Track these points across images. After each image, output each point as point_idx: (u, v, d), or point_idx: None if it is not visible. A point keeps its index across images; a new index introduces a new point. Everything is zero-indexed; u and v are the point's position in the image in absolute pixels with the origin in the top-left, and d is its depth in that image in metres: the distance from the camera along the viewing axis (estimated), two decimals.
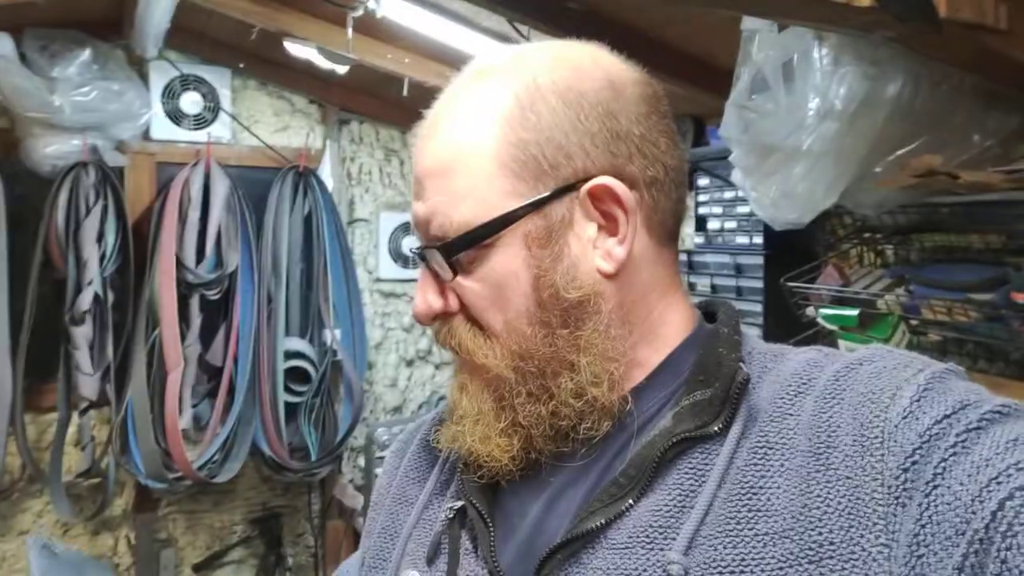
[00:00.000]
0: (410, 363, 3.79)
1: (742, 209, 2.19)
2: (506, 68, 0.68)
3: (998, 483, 0.49)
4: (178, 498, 3.27)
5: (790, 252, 2.13)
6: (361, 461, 3.52)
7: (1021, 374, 1.77)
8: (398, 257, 3.69)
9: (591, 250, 0.66)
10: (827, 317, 1.81)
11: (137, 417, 2.84)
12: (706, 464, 0.60)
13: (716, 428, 0.61)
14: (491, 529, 0.67)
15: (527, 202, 0.64)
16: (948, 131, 1.65)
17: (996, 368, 1.80)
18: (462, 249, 0.65)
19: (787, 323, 2.03)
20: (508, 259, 0.65)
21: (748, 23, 1.49)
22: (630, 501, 0.61)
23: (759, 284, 2.16)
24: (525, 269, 0.65)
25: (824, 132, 1.61)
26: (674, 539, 0.58)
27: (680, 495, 0.60)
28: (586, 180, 0.65)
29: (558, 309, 0.65)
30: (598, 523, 0.60)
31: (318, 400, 3.30)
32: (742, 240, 2.21)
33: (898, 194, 1.70)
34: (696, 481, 0.60)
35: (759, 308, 2.16)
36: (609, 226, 0.66)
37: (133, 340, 2.94)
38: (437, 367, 3.85)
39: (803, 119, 1.58)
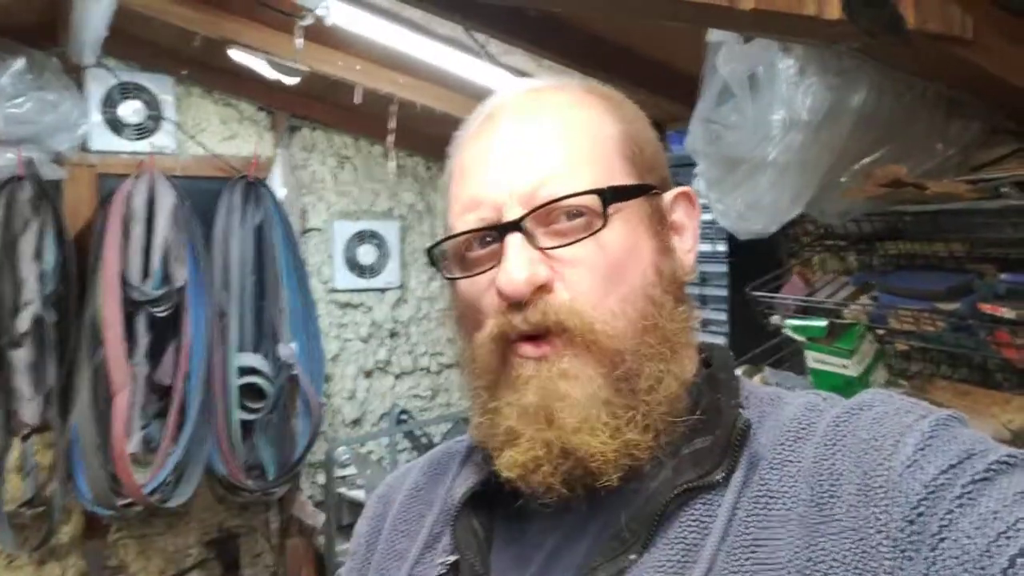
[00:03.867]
0: (369, 374, 3.71)
1: (705, 216, 2.17)
2: (595, 84, 0.71)
3: (1007, 538, 0.47)
4: (129, 522, 3.14)
5: (754, 259, 2.12)
6: (320, 478, 3.44)
7: (984, 380, 1.77)
8: (353, 267, 3.61)
9: (679, 252, 0.68)
10: (795, 328, 1.79)
11: (83, 442, 2.72)
12: (708, 515, 0.59)
13: (719, 477, 0.59)
14: None
15: (647, 183, 0.66)
16: (911, 140, 1.64)
17: (960, 374, 1.81)
18: (621, 198, 0.63)
19: (752, 332, 2.01)
20: (628, 232, 0.64)
21: (714, 35, 1.46)
22: (632, 556, 0.59)
23: (723, 292, 2.14)
24: (645, 247, 0.65)
25: (790, 143, 1.59)
26: None
27: (683, 549, 0.58)
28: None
29: (673, 287, 0.66)
30: None
31: (274, 416, 3.20)
32: (705, 248, 2.19)
33: (863, 203, 1.69)
34: (699, 534, 0.58)
35: (724, 317, 2.14)
36: (681, 235, 0.69)
37: (76, 361, 2.81)
38: (396, 377, 3.77)
39: (769, 130, 1.56)
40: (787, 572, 0.54)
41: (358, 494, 3.04)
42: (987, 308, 1.53)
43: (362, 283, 3.62)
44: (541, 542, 0.65)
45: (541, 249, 0.62)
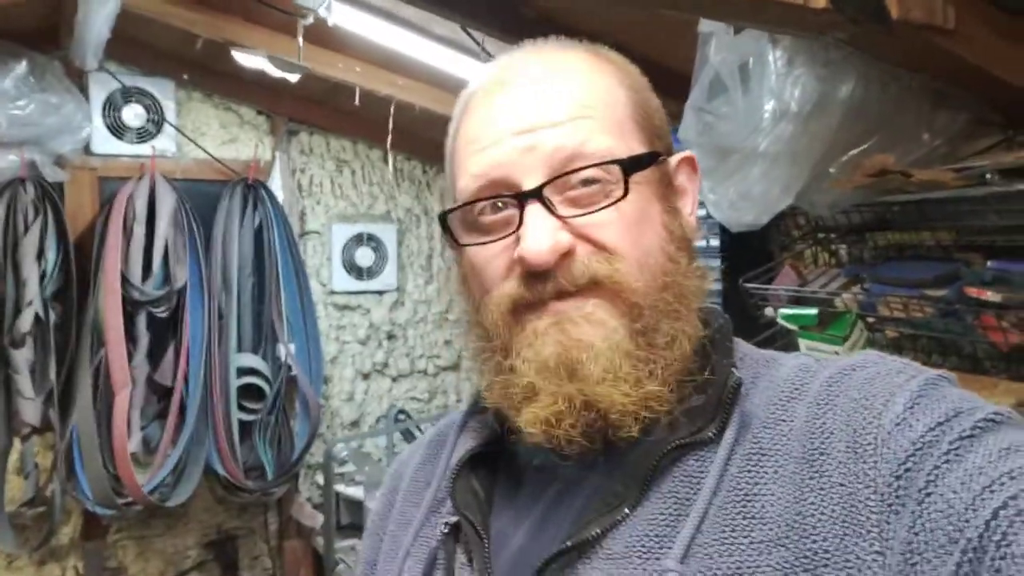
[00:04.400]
0: (367, 376, 3.73)
1: (699, 211, 2.21)
2: (603, 50, 0.71)
3: (991, 491, 0.49)
4: (128, 524, 3.15)
5: (746, 254, 2.15)
6: (319, 478, 3.45)
7: (974, 368, 1.81)
8: (352, 269, 3.64)
9: (683, 213, 0.70)
10: (786, 317, 1.83)
11: (83, 442, 2.73)
12: (701, 471, 0.60)
13: (710, 434, 0.61)
14: (485, 542, 0.65)
15: (657, 150, 0.67)
16: (898, 131, 1.68)
17: (949, 363, 1.84)
18: (643, 167, 0.64)
19: (746, 324, 2.05)
20: (642, 199, 0.65)
21: (705, 25, 1.50)
22: (626, 510, 0.60)
23: (718, 286, 2.18)
24: (655, 210, 0.66)
25: (780, 134, 1.63)
26: (670, 548, 0.57)
27: (675, 503, 0.59)
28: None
29: (685, 245, 0.68)
30: (594, 533, 0.60)
31: (273, 417, 3.22)
32: (699, 243, 2.23)
33: (852, 193, 1.73)
34: (691, 488, 0.59)
35: (719, 310, 2.17)
36: (683, 199, 0.71)
37: (77, 362, 2.83)
38: (394, 379, 3.80)
39: (759, 121, 1.60)
40: (777, 526, 0.55)
41: (357, 492, 3.05)
42: (974, 292, 1.56)
43: (360, 285, 3.65)
44: (538, 499, 0.66)
45: (561, 217, 0.62)
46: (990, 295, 1.53)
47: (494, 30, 1.87)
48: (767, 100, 1.59)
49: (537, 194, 0.62)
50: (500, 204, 0.64)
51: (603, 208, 0.63)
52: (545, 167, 0.62)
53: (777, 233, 2.18)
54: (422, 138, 3.42)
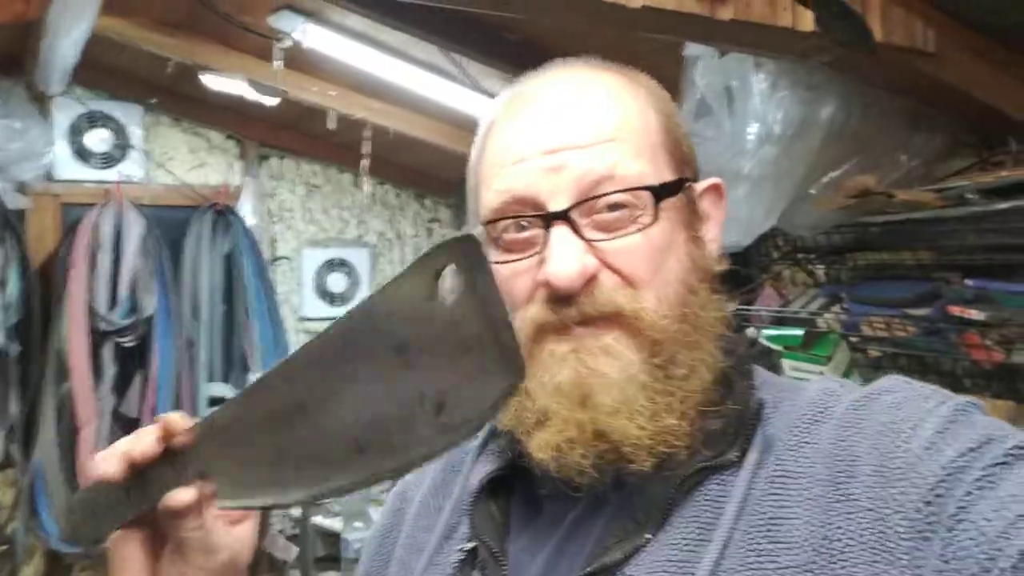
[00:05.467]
0: None
1: None
2: (634, 73, 0.69)
3: None
4: (93, 562, 3.03)
5: (725, 275, 2.16)
6: (293, 510, 3.37)
7: (954, 387, 1.83)
8: (324, 295, 3.59)
9: (711, 242, 0.68)
10: (772, 338, 1.84)
11: (48, 478, 2.64)
12: (723, 495, 0.58)
13: (733, 457, 0.59)
14: (504, 568, 0.63)
15: (685, 177, 0.66)
16: (877, 152, 1.71)
17: (929, 381, 1.86)
18: (672, 194, 0.63)
19: None
20: (669, 226, 0.63)
21: (691, 49, 1.52)
22: (647, 536, 0.58)
23: None
24: (680, 239, 0.64)
25: (763, 156, 1.65)
26: (693, 574, 0.56)
27: (698, 528, 0.58)
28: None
29: (707, 276, 0.65)
30: (615, 559, 0.58)
31: None
32: None
33: (833, 214, 1.75)
34: (713, 513, 0.58)
35: None
36: (707, 226, 0.68)
37: (40, 395, 2.74)
38: None
39: (744, 144, 1.62)
40: (803, 550, 0.54)
41: (334, 523, 2.98)
42: (957, 311, 1.58)
43: (332, 311, 3.60)
44: (557, 523, 0.65)
45: (587, 240, 0.61)
46: (974, 313, 1.55)
47: (476, 54, 1.87)
48: (751, 123, 1.60)
49: (564, 216, 0.61)
50: (524, 223, 0.63)
51: (631, 234, 0.61)
52: (573, 189, 0.61)
53: (757, 255, 2.19)
54: (395, 162, 3.40)
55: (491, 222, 0.64)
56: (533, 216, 0.62)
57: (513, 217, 0.63)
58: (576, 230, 0.61)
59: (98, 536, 0.59)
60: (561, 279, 0.59)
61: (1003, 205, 1.50)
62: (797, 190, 1.73)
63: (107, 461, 0.56)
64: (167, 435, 0.56)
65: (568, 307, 0.61)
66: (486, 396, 0.46)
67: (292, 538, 3.28)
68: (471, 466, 0.73)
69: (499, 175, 0.64)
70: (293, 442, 0.52)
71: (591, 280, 0.61)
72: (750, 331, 1.97)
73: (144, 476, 0.56)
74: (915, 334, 1.67)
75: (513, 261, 0.63)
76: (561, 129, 0.63)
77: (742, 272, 2.17)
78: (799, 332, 1.78)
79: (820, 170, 1.71)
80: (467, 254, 0.45)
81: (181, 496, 0.55)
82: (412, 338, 0.45)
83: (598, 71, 0.67)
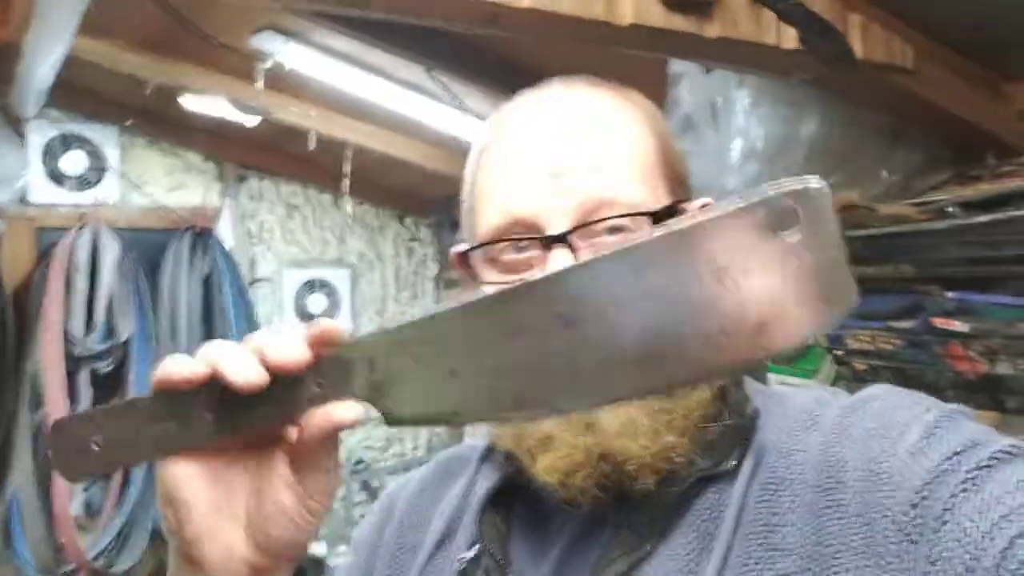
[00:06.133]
0: None
1: None
2: (628, 92, 0.70)
3: (1009, 521, 0.49)
4: None
5: None
6: None
7: (938, 398, 1.84)
8: (304, 316, 3.56)
9: None
10: None
11: (23, 506, 2.58)
12: (721, 504, 0.60)
13: (730, 466, 0.61)
14: None
15: (680, 199, 0.67)
16: (858, 168, 1.73)
17: None
18: (668, 218, 0.61)
19: None
20: None
21: (675, 66, 1.53)
22: (649, 547, 0.59)
23: None
24: None
25: (748, 172, 1.66)
26: None
27: (698, 537, 0.59)
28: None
29: None
30: (620, 570, 0.59)
31: None
32: None
33: None
34: (712, 523, 0.59)
35: None
36: None
37: (15, 422, 2.68)
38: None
39: (728, 160, 1.63)
40: (799, 556, 0.55)
41: (318, 548, 2.94)
42: (940, 323, 1.61)
43: None
44: (559, 536, 0.65)
45: None
46: (957, 325, 1.57)
47: (459, 73, 1.88)
48: (735, 139, 1.62)
49: (564, 239, 0.61)
50: (523, 244, 0.63)
51: None
52: (574, 212, 0.62)
53: None
54: (374, 182, 3.40)
55: (489, 243, 0.64)
56: (533, 238, 0.62)
57: (513, 239, 0.63)
58: (575, 253, 0.61)
59: (145, 457, 0.50)
60: None
61: (984, 218, 1.53)
62: None
63: (232, 360, 0.46)
64: (322, 341, 0.48)
65: None
66: (817, 321, 0.45)
67: None
68: (476, 473, 0.73)
69: (498, 195, 0.65)
70: (546, 354, 0.46)
71: None
72: None
73: (276, 385, 0.47)
74: (899, 346, 1.69)
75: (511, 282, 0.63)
76: (562, 151, 0.63)
77: None
78: None
79: None
80: (808, 197, 0.45)
81: (349, 411, 0.48)
82: (733, 263, 0.44)
83: (596, 91, 0.68)
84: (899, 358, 1.73)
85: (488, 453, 0.75)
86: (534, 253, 0.63)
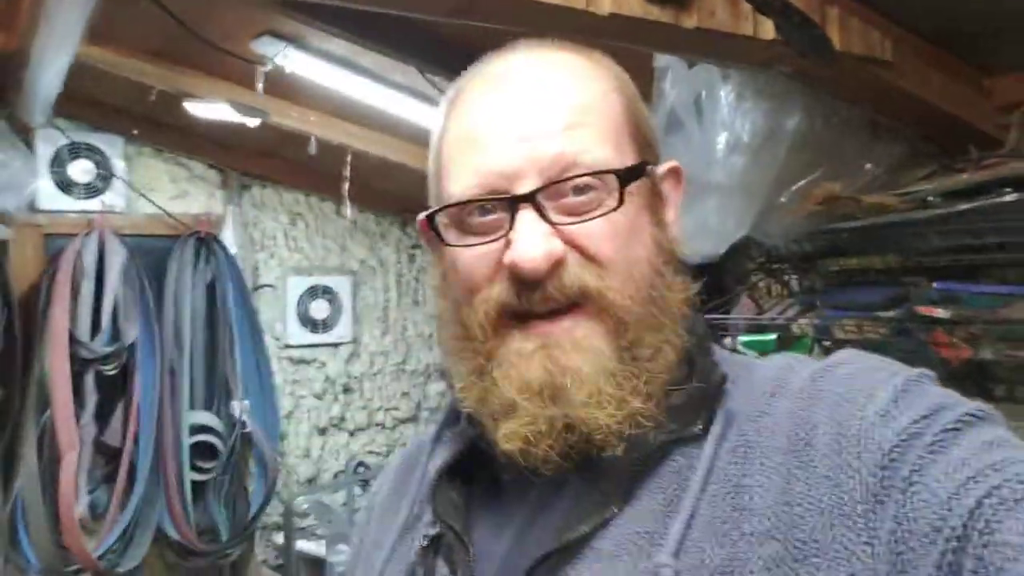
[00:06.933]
0: (323, 431, 3.66)
1: None
2: (595, 55, 0.70)
3: (975, 482, 0.50)
4: None
5: (701, 288, 2.20)
6: (276, 538, 3.34)
7: None
8: (306, 322, 3.60)
9: (672, 224, 0.69)
10: (747, 343, 1.87)
11: (28, 507, 2.61)
12: (689, 466, 0.60)
13: (696, 429, 0.61)
14: (470, 550, 0.63)
15: (648, 160, 0.66)
16: (841, 161, 1.77)
17: None
18: (636, 178, 0.63)
19: None
20: (633, 209, 0.64)
21: (661, 60, 1.57)
22: (614, 509, 0.59)
23: None
24: (644, 221, 0.65)
25: (732, 166, 1.70)
26: (661, 544, 0.56)
27: (665, 499, 0.59)
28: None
29: (671, 258, 0.66)
30: (582, 532, 0.59)
31: (227, 476, 3.12)
32: None
33: (804, 221, 1.80)
34: (680, 484, 0.59)
35: None
36: (668, 207, 0.69)
37: (22, 423, 2.72)
38: (351, 434, 3.73)
39: (713, 153, 1.67)
40: (767, 517, 0.55)
41: (318, 548, 2.96)
42: (924, 310, 1.63)
43: (315, 338, 3.61)
44: (521, 503, 0.65)
45: (553, 224, 0.61)
46: (940, 312, 1.60)
47: (455, 75, 1.91)
48: (720, 133, 1.66)
49: (531, 199, 0.61)
50: (489, 206, 0.63)
51: (596, 217, 0.62)
52: (540, 173, 0.61)
53: (732, 265, 2.24)
54: (376, 189, 3.44)
55: (458, 204, 0.63)
56: (499, 199, 0.62)
57: (479, 200, 0.62)
58: (542, 213, 0.61)
59: None
60: (526, 263, 0.60)
61: (964, 206, 1.56)
62: (766, 199, 1.78)
63: None
64: None
65: (533, 291, 0.61)
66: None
67: (277, 568, 3.25)
68: (428, 456, 0.73)
69: (467, 160, 0.64)
70: None
71: (557, 263, 0.61)
72: (727, 340, 2.01)
73: None
74: (885, 335, 1.71)
75: (478, 244, 0.63)
76: (527, 114, 0.63)
77: (714, 288, 2.21)
78: (772, 337, 1.82)
79: (787, 179, 1.76)
80: None
81: None
82: None
83: (562, 53, 0.68)
84: (885, 347, 1.75)
85: (443, 428, 0.74)
86: (501, 215, 0.62)
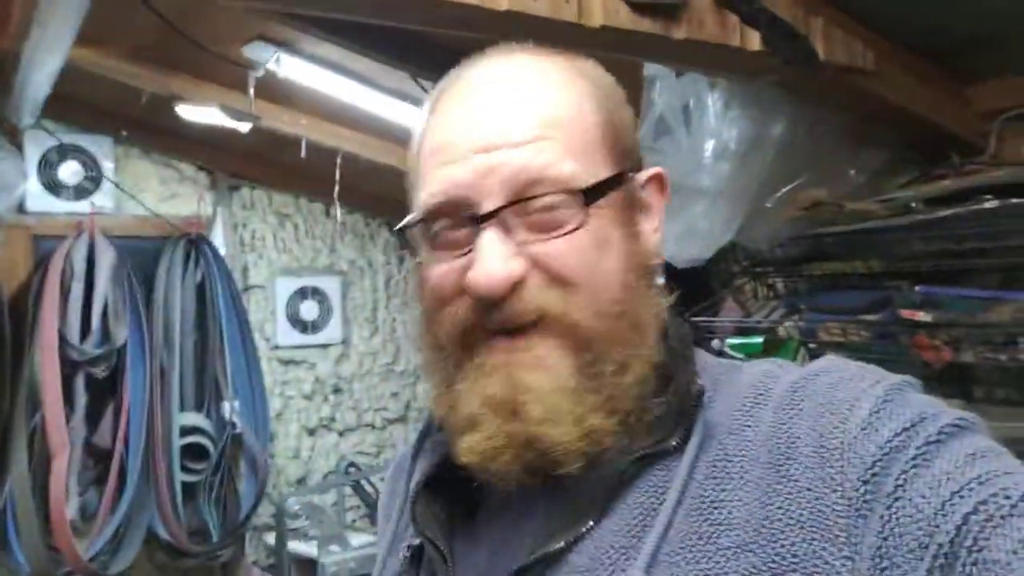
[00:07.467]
0: (312, 432, 3.67)
1: None
2: (578, 61, 0.68)
3: (961, 497, 0.49)
4: None
5: (687, 292, 2.23)
6: (267, 539, 3.35)
7: None
8: (296, 323, 3.61)
9: (646, 233, 0.67)
10: (733, 346, 1.91)
11: (19, 509, 2.61)
12: (665, 480, 0.59)
13: (673, 443, 0.60)
14: (449, 565, 0.64)
15: (624, 170, 0.65)
16: (826, 168, 1.80)
17: None
18: (605, 193, 0.62)
19: None
20: (603, 224, 0.62)
21: (650, 69, 1.60)
22: (590, 523, 0.59)
23: None
24: (616, 236, 0.63)
25: (719, 171, 1.73)
26: (635, 558, 0.56)
27: (641, 514, 0.59)
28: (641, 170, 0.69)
29: (643, 271, 0.65)
30: (558, 546, 0.59)
31: (217, 477, 3.14)
32: None
33: (788, 226, 1.83)
34: (656, 499, 0.59)
35: None
36: (648, 216, 0.68)
37: (12, 425, 2.72)
38: (341, 434, 3.74)
39: (701, 159, 1.70)
40: (744, 531, 0.55)
41: (309, 548, 2.98)
42: (907, 314, 1.67)
43: (305, 339, 3.62)
44: (499, 515, 0.65)
45: (517, 243, 0.60)
46: (922, 316, 1.64)
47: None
48: (707, 140, 1.69)
49: (495, 216, 0.60)
50: (456, 221, 0.62)
51: (561, 236, 0.61)
52: (505, 190, 0.60)
53: (718, 269, 2.27)
54: (365, 191, 3.45)
55: (423, 220, 0.63)
56: (464, 217, 0.61)
57: (444, 217, 0.62)
58: (507, 231, 0.60)
59: None
60: (482, 287, 0.59)
61: (946, 212, 1.59)
62: (752, 205, 1.81)
63: None
64: None
65: (492, 311, 0.60)
66: None
67: (268, 568, 3.27)
68: (411, 467, 0.73)
69: (433, 173, 0.63)
70: None
71: (518, 283, 0.60)
72: (714, 342, 2.04)
73: None
74: (869, 338, 1.74)
75: (446, 259, 0.63)
76: (494, 127, 0.61)
77: (699, 291, 2.24)
78: (759, 340, 1.85)
79: (773, 185, 1.80)
80: None
81: None
82: None
83: (538, 59, 0.66)
84: (869, 350, 1.79)
85: (422, 440, 0.75)
86: (467, 231, 0.61)
